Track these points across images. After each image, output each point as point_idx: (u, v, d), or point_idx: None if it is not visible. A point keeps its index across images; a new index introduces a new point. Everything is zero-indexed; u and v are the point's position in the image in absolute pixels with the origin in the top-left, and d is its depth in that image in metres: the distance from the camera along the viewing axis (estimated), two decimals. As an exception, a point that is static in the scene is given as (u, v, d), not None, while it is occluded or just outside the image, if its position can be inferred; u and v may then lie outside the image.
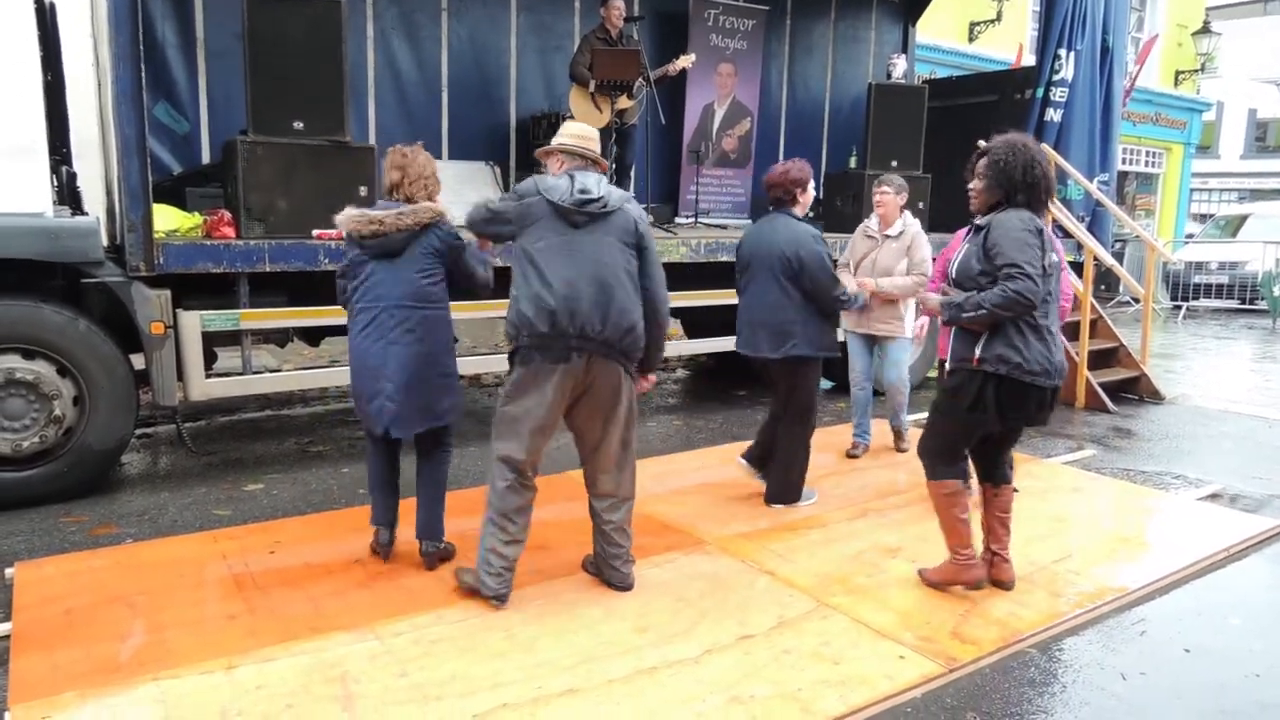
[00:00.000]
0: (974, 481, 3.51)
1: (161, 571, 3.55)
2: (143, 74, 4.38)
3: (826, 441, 5.79)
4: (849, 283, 5.16)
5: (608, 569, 3.43)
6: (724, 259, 6.20)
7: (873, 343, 5.31)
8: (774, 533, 4.08)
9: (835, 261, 5.49)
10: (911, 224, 5.18)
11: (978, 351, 3.22)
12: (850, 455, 5.39)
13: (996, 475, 3.51)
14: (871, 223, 5.25)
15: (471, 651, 2.95)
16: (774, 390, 4.46)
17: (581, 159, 3.31)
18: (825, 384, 7.71)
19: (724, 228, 7.91)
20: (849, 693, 2.78)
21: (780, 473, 4.41)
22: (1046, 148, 8.03)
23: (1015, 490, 3.60)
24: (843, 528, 4.18)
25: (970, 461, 3.49)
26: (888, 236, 5.14)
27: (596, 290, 3.08)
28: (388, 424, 3.35)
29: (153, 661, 2.86)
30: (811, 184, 4.33)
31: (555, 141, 3.37)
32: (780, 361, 4.25)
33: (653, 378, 3.51)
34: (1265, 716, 2.79)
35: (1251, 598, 3.64)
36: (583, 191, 3.13)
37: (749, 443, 5.73)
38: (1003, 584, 3.53)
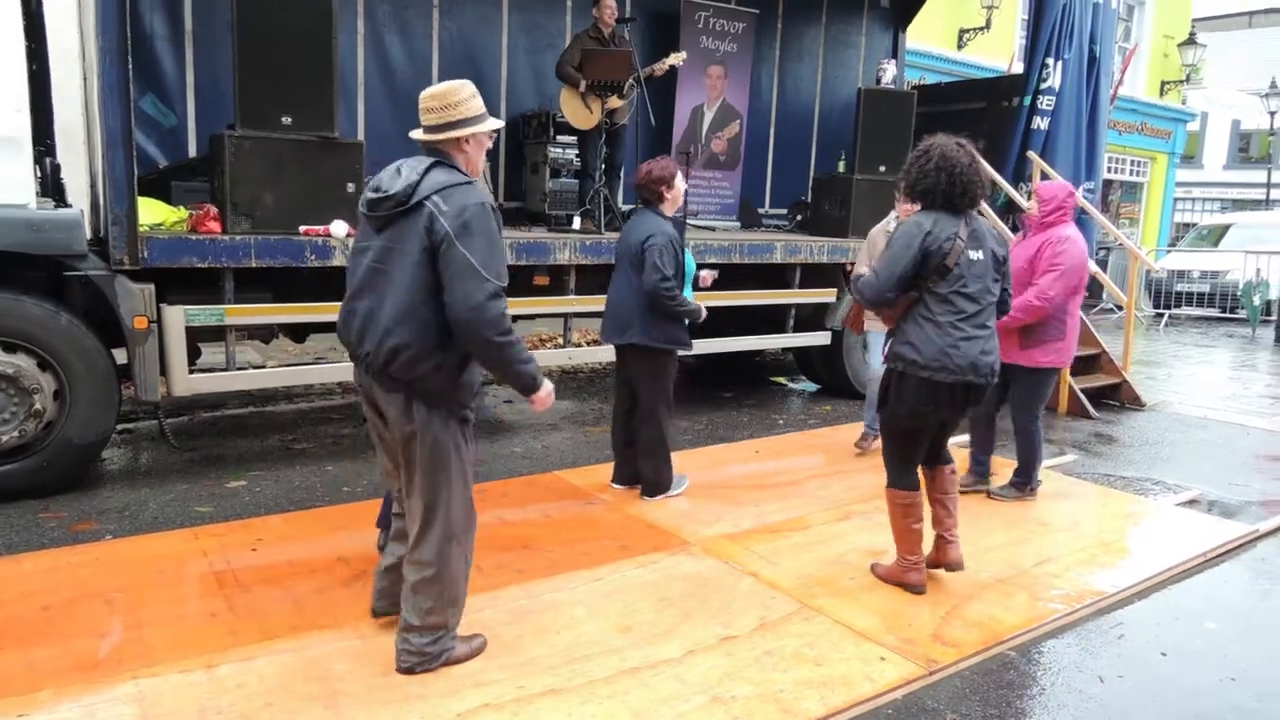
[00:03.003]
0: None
1: (141, 568, 3.52)
2: (129, 66, 4.34)
3: (813, 443, 5.83)
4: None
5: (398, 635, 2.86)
6: (711, 260, 6.21)
7: None
8: (758, 534, 4.09)
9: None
10: None
11: (887, 349, 3.45)
12: (860, 446, 5.50)
13: (932, 459, 3.57)
14: (891, 224, 5.30)
15: (454, 650, 2.94)
16: (620, 381, 4.59)
17: (425, 142, 2.73)
18: (809, 386, 7.77)
19: (712, 229, 7.93)
20: (830, 694, 2.79)
21: (647, 469, 4.49)
22: (1032, 155, 8.14)
23: (954, 472, 3.63)
24: (827, 530, 4.20)
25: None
26: None
27: (366, 305, 2.66)
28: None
29: (131, 659, 2.84)
30: (678, 180, 4.34)
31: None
32: (625, 350, 4.39)
33: (541, 398, 2.76)
34: (1240, 720, 2.83)
35: (1228, 602, 3.68)
36: (375, 190, 2.67)
37: (736, 444, 5.79)
38: (949, 564, 3.57)
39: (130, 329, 4.42)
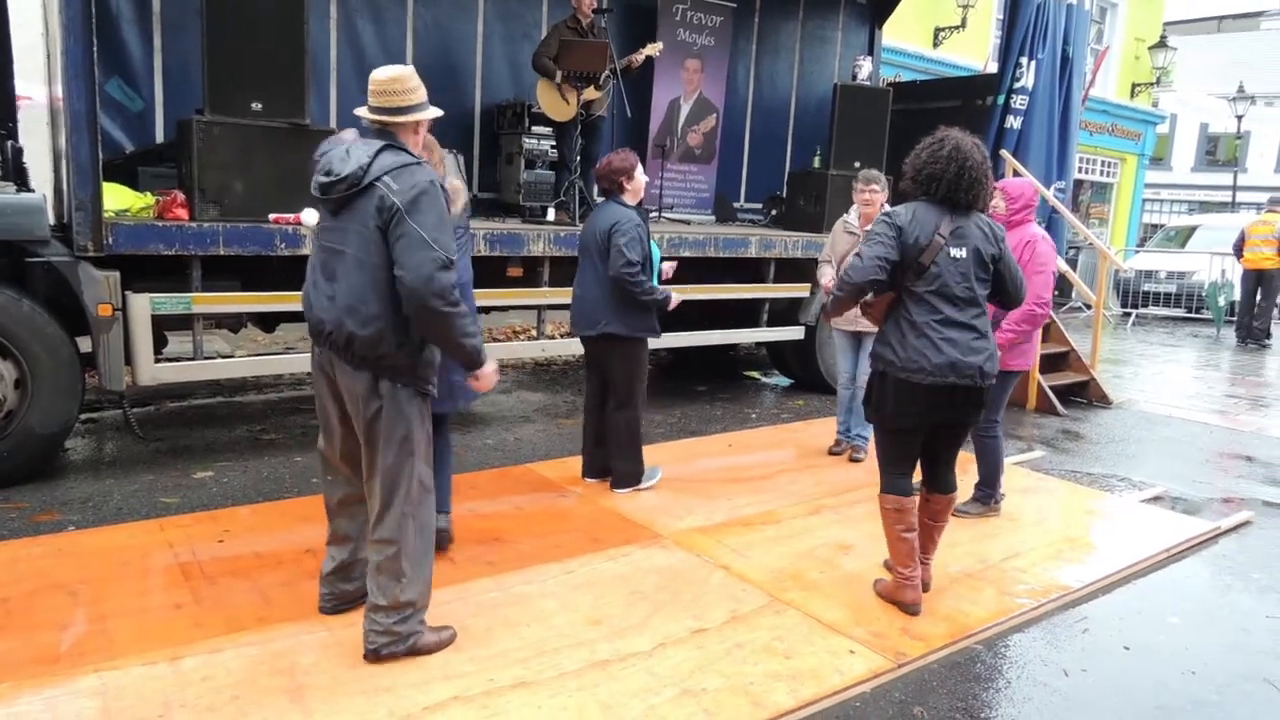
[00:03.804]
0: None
1: (105, 560, 3.46)
2: (94, 47, 4.25)
3: (784, 438, 5.85)
4: (828, 277, 5.10)
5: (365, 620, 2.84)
6: (686, 254, 6.21)
7: (859, 340, 5.16)
8: (730, 527, 4.11)
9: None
10: None
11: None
12: (833, 452, 5.40)
13: (932, 482, 3.50)
14: (852, 218, 5.19)
15: (423, 643, 2.92)
16: (591, 373, 4.58)
17: (379, 124, 2.73)
18: (783, 381, 7.80)
19: (687, 223, 7.92)
20: (799, 687, 2.81)
21: (618, 458, 4.48)
22: (1005, 153, 8.22)
23: (952, 503, 3.51)
24: (798, 524, 4.22)
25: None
26: None
27: (327, 287, 2.70)
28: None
29: (94, 652, 2.79)
30: (638, 171, 4.35)
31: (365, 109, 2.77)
32: (596, 341, 4.37)
33: (486, 373, 2.84)
34: (1200, 713, 2.88)
35: (1190, 597, 3.75)
36: (326, 173, 2.67)
37: (708, 437, 5.80)
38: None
39: (94, 316, 4.33)
